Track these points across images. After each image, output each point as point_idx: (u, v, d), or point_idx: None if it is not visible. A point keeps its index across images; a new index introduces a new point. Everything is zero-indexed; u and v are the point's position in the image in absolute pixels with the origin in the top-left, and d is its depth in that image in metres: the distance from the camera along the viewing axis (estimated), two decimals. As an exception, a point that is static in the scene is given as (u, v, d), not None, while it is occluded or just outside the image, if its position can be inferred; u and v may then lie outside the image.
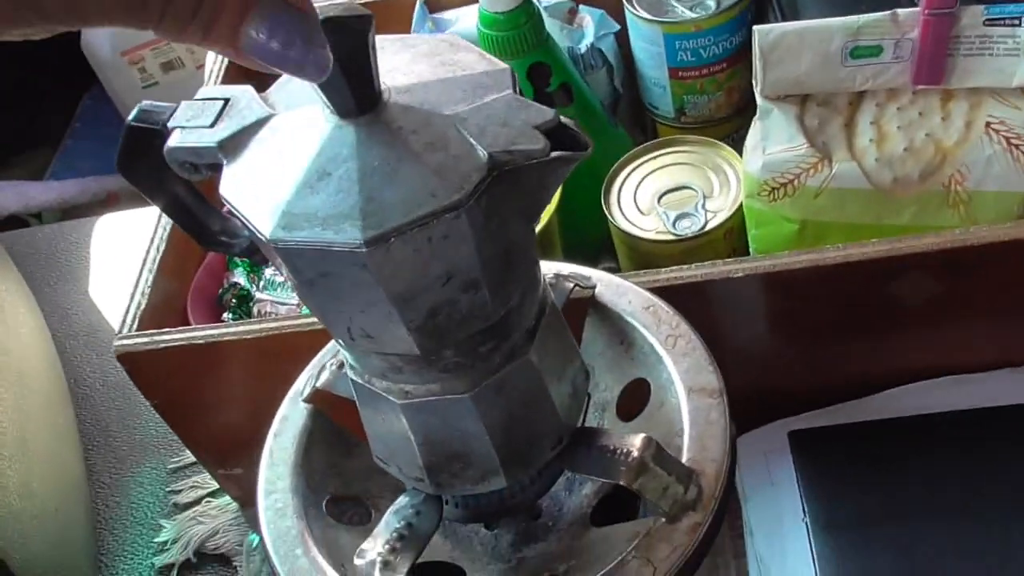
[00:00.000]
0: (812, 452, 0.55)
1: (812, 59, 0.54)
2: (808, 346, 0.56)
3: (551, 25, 0.66)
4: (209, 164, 0.31)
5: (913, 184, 0.54)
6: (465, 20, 0.71)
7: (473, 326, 0.32)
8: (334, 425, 0.44)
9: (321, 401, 0.45)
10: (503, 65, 0.30)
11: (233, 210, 0.30)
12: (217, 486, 0.73)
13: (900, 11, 0.53)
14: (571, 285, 0.42)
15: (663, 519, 0.35)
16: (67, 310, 0.92)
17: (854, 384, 0.57)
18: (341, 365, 0.42)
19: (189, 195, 0.35)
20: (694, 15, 0.64)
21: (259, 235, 0.29)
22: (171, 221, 0.66)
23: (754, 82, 0.56)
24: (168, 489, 0.75)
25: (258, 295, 0.65)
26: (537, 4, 0.63)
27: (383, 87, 0.29)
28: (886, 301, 0.54)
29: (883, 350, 0.56)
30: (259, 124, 0.31)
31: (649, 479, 0.35)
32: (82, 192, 1.42)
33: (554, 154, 0.28)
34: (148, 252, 0.65)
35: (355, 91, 0.28)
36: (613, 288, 0.43)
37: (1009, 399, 0.55)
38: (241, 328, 0.58)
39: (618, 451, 0.36)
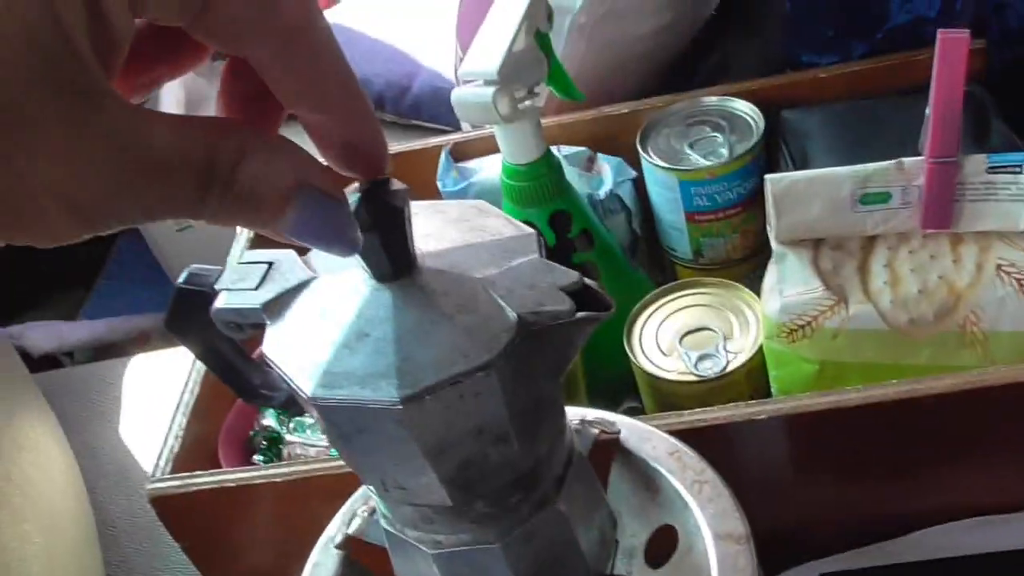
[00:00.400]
0: (842, 595, 0.55)
1: (823, 205, 0.56)
2: (833, 487, 0.56)
3: (570, 173, 0.69)
4: (253, 324, 0.33)
5: (929, 325, 0.55)
6: (488, 169, 0.75)
7: (503, 477, 0.33)
8: (366, 573, 0.45)
9: (353, 546, 0.46)
10: (529, 230, 0.32)
11: (275, 369, 0.31)
12: (243, 631, 0.72)
13: (906, 160, 0.55)
14: (596, 431, 0.43)
15: (694, 670, 0.35)
16: (98, 450, 0.93)
17: (881, 525, 0.57)
18: (373, 511, 0.43)
19: (232, 351, 0.37)
20: (708, 163, 0.67)
21: (300, 393, 0.30)
22: (204, 367, 0.68)
23: (768, 227, 0.58)
24: (193, 634, 0.74)
25: (288, 437, 0.66)
26: (557, 154, 0.66)
27: (417, 252, 0.31)
28: (909, 441, 0.54)
29: (908, 490, 0.56)
30: (301, 287, 0.32)
31: (677, 628, 0.36)
32: (114, 331, 1.45)
33: (579, 315, 0.29)
34: (182, 396, 0.66)
35: (392, 258, 0.30)
36: (637, 433, 0.44)
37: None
38: (271, 471, 0.59)
39: (646, 600, 0.37)
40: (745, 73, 0.73)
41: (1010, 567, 0.54)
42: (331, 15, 1.11)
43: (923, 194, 0.55)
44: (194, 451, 0.65)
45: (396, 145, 0.80)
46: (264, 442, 0.67)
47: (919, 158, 0.55)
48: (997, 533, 0.55)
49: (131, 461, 0.93)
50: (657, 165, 0.68)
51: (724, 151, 0.67)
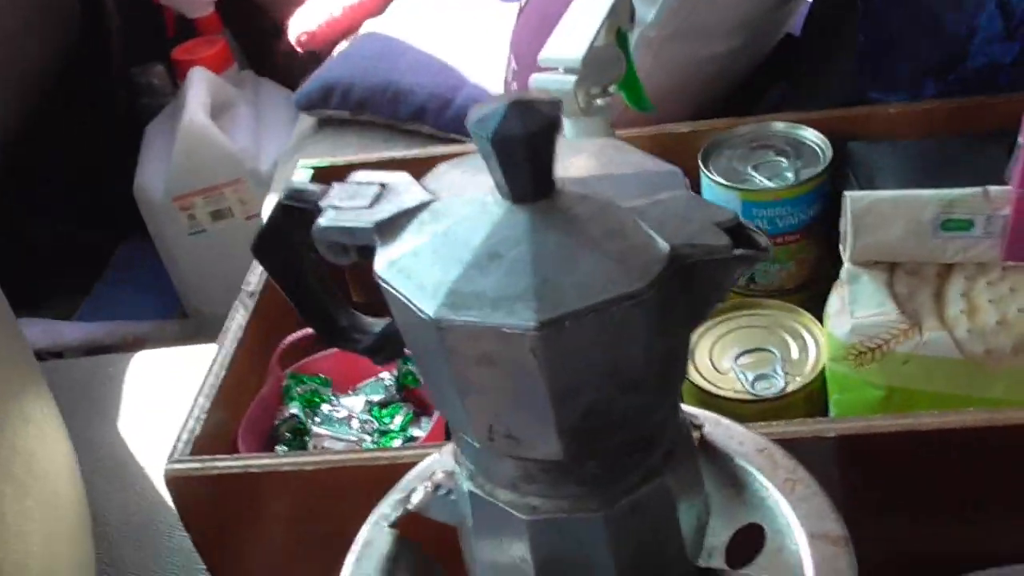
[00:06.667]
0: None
1: (903, 228, 0.55)
2: (890, 519, 0.54)
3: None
4: (361, 246, 0.31)
5: (1006, 357, 0.53)
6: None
7: (622, 434, 0.30)
8: (422, 553, 0.41)
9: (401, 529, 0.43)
10: (674, 167, 0.30)
11: (390, 288, 0.29)
12: (239, 637, 0.68)
13: (991, 188, 0.54)
14: (682, 422, 0.41)
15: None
16: (95, 444, 0.89)
17: (936, 563, 0.54)
18: (436, 488, 0.40)
19: (320, 286, 0.35)
20: (774, 184, 0.65)
21: (420, 314, 0.28)
22: (230, 351, 0.65)
23: (841, 247, 0.57)
24: (185, 639, 0.70)
25: (315, 430, 0.63)
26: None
27: (557, 177, 0.29)
28: (975, 477, 0.52)
29: (970, 528, 0.53)
30: (420, 207, 0.30)
31: (780, 626, 0.33)
32: (109, 334, 1.41)
33: (736, 252, 0.27)
34: (205, 379, 0.63)
35: (535, 174, 0.28)
36: (723, 429, 0.42)
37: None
38: (301, 458, 0.56)
39: (745, 594, 0.34)
40: (809, 106, 0.72)
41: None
42: (378, 23, 1.10)
43: (1008, 224, 0.53)
44: (213, 438, 0.61)
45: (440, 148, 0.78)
46: (288, 433, 0.64)
47: (1005, 187, 0.54)
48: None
49: (129, 458, 0.89)
50: (719, 183, 0.66)
51: (790, 175, 0.66)
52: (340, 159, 0.80)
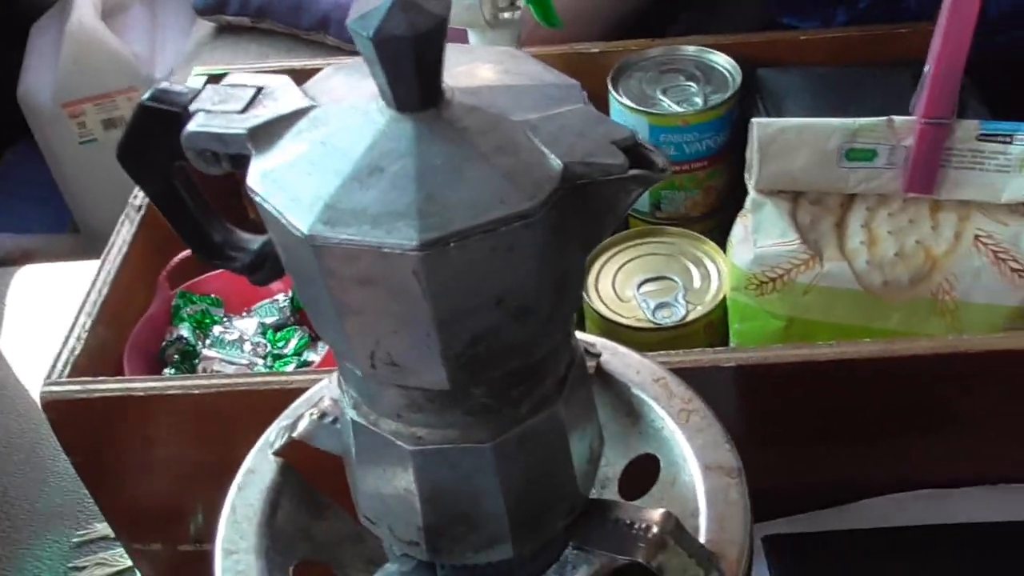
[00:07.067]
0: (787, 558, 0.53)
1: (808, 156, 0.54)
2: (787, 448, 0.54)
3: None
4: (233, 155, 0.28)
5: (903, 289, 0.53)
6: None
7: (512, 362, 0.29)
8: (305, 484, 0.40)
9: (288, 458, 0.41)
10: (572, 80, 0.28)
11: (262, 202, 0.26)
12: (126, 565, 0.66)
13: (896, 118, 0.53)
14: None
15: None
16: (-27, 364, 0.85)
17: (830, 491, 0.55)
18: (322, 415, 0.38)
19: (193, 198, 0.32)
20: (681, 109, 0.64)
21: (294, 230, 0.25)
22: (115, 267, 0.62)
23: (747, 175, 0.56)
24: (70, 566, 0.67)
25: (205, 352, 0.61)
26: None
27: (446, 86, 0.27)
28: (871, 407, 0.52)
29: (863, 457, 0.54)
30: (298, 114, 0.28)
31: (670, 557, 0.32)
32: (-6, 249, 1.35)
33: (632, 172, 0.26)
34: (88, 295, 0.60)
35: (421, 80, 0.26)
36: (620, 358, 0.41)
37: (983, 517, 0.54)
38: (187, 382, 0.53)
39: (635, 525, 0.33)
40: (722, 30, 0.71)
41: (956, 539, 0.53)
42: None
43: (910, 155, 0.53)
44: (97, 359, 0.58)
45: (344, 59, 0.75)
46: (177, 355, 0.61)
47: (910, 117, 0.53)
48: (947, 506, 0.54)
49: (10, 378, 0.84)
50: (627, 106, 0.65)
51: (699, 100, 0.65)
52: (237, 68, 0.76)
